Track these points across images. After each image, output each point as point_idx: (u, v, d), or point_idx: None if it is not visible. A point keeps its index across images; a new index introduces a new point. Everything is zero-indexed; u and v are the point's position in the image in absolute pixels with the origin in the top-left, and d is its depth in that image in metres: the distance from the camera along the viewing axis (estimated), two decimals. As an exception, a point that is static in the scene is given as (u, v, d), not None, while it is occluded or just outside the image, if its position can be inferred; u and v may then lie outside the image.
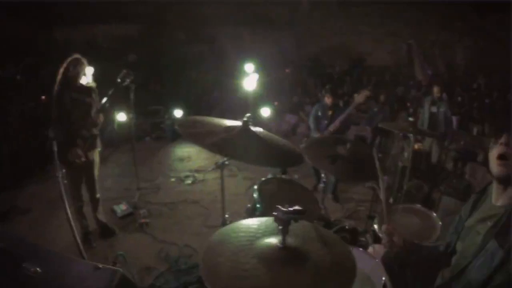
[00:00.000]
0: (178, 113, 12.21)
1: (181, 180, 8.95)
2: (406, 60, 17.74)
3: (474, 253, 2.20)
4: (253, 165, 3.16)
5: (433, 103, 9.78)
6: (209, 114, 3.48)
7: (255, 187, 4.20)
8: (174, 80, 15.70)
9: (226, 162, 3.96)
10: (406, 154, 8.05)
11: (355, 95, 8.68)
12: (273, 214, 1.91)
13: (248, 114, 3.05)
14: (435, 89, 9.86)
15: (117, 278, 2.17)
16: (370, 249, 3.65)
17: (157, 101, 13.54)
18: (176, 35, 19.03)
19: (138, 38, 18.31)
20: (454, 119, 13.57)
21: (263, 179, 4.43)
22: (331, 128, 7.31)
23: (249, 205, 4.19)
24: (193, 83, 16.29)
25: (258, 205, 3.95)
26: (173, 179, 8.99)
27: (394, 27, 20.65)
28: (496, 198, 2.28)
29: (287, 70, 18.16)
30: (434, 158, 9.12)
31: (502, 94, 14.92)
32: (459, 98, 14.88)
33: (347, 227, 4.09)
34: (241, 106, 11.51)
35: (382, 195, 2.68)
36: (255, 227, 2.11)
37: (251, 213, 3.95)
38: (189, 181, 8.88)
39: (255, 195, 4.08)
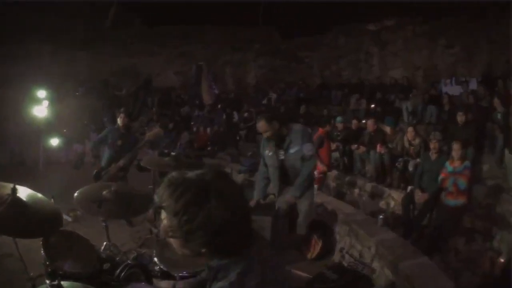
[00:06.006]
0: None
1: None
2: (193, 80, 18.11)
3: None
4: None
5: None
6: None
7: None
8: None
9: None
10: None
11: (147, 132, 8.25)
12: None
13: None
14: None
15: None
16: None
17: None
18: None
19: None
20: (242, 133, 14.17)
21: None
22: (113, 169, 6.71)
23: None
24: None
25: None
26: None
27: (187, 48, 20.63)
28: None
29: (77, 93, 17.10)
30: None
31: (291, 107, 15.64)
32: (246, 114, 15.26)
33: (130, 262, 3.56)
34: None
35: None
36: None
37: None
38: None
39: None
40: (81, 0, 18.46)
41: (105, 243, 3.99)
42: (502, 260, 5.06)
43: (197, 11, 20.53)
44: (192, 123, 15.27)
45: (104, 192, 3.80)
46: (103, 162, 7.00)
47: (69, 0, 17.92)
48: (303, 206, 5.12)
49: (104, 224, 3.98)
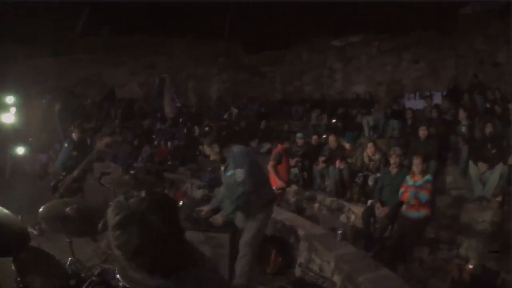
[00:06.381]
0: None
1: None
2: (156, 93, 17.80)
3: None
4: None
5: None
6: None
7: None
8: None
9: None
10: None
11: (97, 141, 8.07)
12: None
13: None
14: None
15: None
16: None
17: None
18: None
19: None
20: (201, 148, 13.72)
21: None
22: (68, 180, 6.71)
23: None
24: None
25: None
26: None
27: (152, 59, 20.35)
28: None
29: (44, 101, 16.44)
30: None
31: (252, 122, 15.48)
32: (207, 128, 14.91)
33: (94, 278, 3.40)
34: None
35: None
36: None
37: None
38: None
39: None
40: (52, 5, 17.98)
41: (70, 258, 3.89)
42: (471, 266, 5.19)
43: (165, 23, 20.66)
44: (153, 136, 15.05)
45: (67, 209, 3.89)
46: (61, 174, 7.07)
47: (39, 5, 17.69)
48: (246, 233, 4.85)
49: (68, 239, 3.95)
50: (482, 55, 13.70)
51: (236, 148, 4.87)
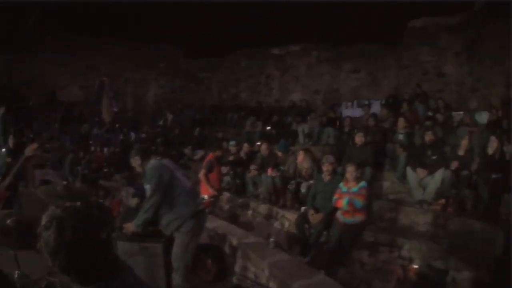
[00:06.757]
0: None
1: None
2: (95, 96, 17.12)
3: None
4: None
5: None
6: None
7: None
8: None
9: None
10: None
11: (26, 149, 7.67)
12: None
13: None
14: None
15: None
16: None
17: None
18: None
19: None
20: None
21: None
22: (1, 187, 6.53)
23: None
24: None
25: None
26: None
27: (94, 61, 19.43)
28: None
29: None
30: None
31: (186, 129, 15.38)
32: (143, 135, 14.85)
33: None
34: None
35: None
36: None
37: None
38: None
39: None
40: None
41: (16, 272, 3.83)
42: (415, 266, 5.33)
43: (109, 23, 20.03)
44: (91, 142, 14.51)
45: (8, 221, 3.81)
46: None
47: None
48: (175, 246, 4.78)
49: (12, 252, 3.87)
50: (427, 66, 14.38)
51: (150, 163, 4.92)
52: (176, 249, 4.74)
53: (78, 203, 1.67)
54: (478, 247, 5.66)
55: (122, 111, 18.12)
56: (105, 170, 12.35)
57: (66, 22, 19.53)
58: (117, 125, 15.81)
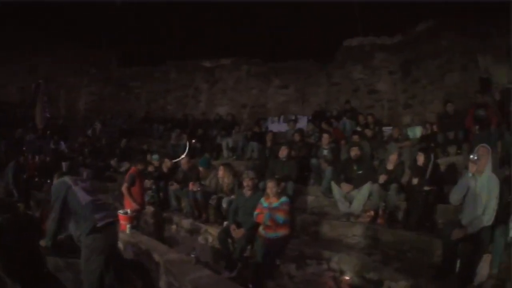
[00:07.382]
0: None
1: None
2: (30, 100, 16.38)
3: None
4: None
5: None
6: None
7: None
8: None
9: None
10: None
11: None
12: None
13: None
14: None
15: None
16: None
17: None
18: None
19: None
20: (64, 165, 12.84)
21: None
22: None
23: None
24: None
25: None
26: None
27: (34, 62, 18.71)
28: None
29: None
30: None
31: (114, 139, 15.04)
32: (76, 145, 14.58)
33: None
34: None
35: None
36: None
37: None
38: None
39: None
40: None
41: None
42: (347, 278, 5.46)
43: (50, 22, 19.03)
44: (24, 148, 13.74)
45: None
46: None
47: None
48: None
49: None
50: (359, 83, 14.82)
51: (55, 181, 5.08)
52: (81, 264, 4.60)
53: (7, 215, 1.67)
54: (414, 256, 5.82)
55: (54, 118, 17.19)
56: (36, 179, 11.90)
57: (5, 17, 18.46)
58: (48, 132, 15.09)
